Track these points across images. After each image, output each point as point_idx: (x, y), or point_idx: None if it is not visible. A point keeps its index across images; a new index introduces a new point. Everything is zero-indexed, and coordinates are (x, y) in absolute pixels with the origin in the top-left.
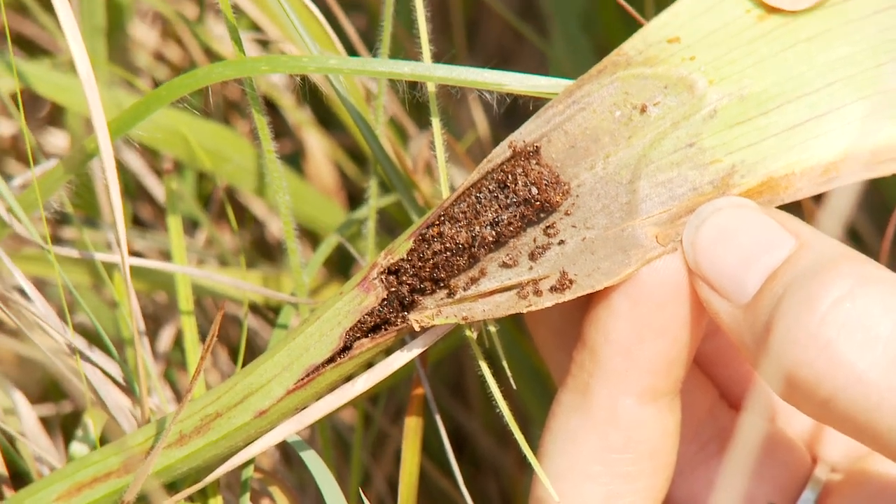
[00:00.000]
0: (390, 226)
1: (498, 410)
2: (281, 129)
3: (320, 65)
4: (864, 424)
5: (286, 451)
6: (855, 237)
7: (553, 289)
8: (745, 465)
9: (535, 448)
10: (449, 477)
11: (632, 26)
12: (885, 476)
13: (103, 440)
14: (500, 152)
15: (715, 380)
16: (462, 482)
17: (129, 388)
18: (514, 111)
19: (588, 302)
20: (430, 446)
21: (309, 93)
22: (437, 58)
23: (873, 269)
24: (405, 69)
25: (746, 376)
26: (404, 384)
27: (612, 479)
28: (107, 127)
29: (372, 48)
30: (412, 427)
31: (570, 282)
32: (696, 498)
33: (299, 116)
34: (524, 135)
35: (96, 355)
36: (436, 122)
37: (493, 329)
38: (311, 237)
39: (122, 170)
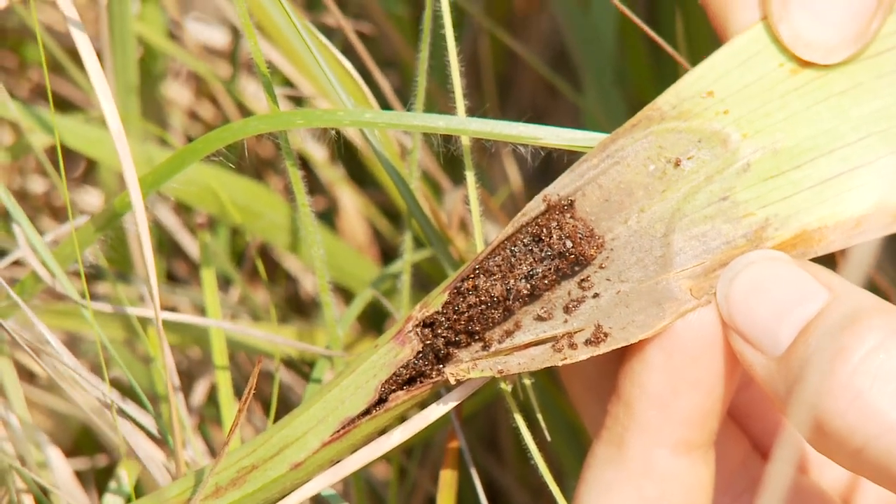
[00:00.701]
0: (423, 281)
1: (533, 463)
2: (314, 186)
3: (355, 118)
4: None
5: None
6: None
7: (588, 342)
8: None
9: (570, 501)
10: None
11: (662, 78)
12: None
13: (137, 493)
14: (535, 206)
15: (748, 431)
16: None
17: (163, 441)
18: (547, 166)
19: (622, 355)
20: (463, 500)
21: (342, 150)
22: (470, 112)
23: None
24: (440, 123)
25: (779, 428)
26: (437, 437)
27: None
28: (140, 181)
29: (406, 105)
30: (447, 481)
31: (605, 335)
32: None
33: (332, 173)
34: (558, 188)
35: (131, 408)
36: (470, 176)
37: (528, 382)
38: (343, 294)
39: (157, 226)
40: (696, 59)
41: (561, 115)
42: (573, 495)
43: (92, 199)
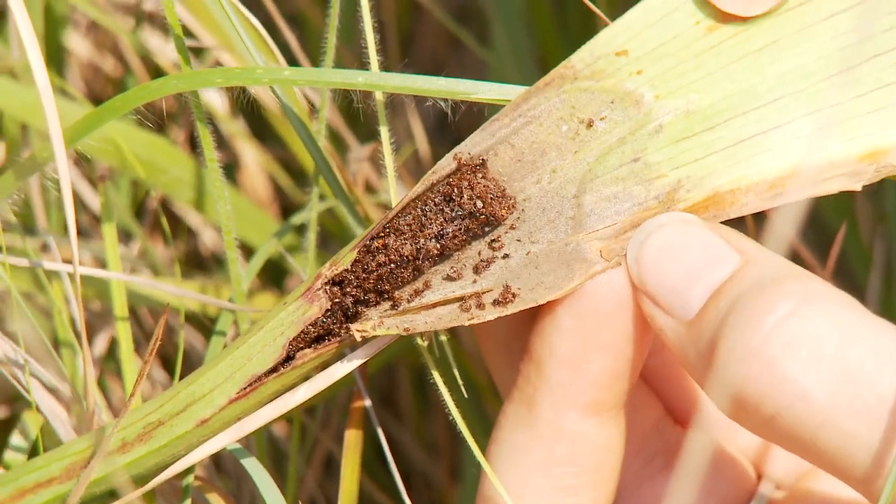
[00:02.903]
0: (325, 238)
1: (451, 418)
2: (215, 139)
3: (274, 76)
4: (808, 442)
5: (217, 459)
6: (796, 260)
7: (496, 302)
8: (693, 484)
9: (474, 458)
10: (380, 487)
11: (566, 30)
12: (829, 493)
13: (46, 446)
14: (446, 164)
15: (661, 395)
16: (406, 497)
17: (67, 395)
18: (446, 123)
19: (535, 315)
20: (363, 457)
21: (244, 103)
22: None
23: (819, 287)
24: (359, 79)
25: (692, 392)
26: (338, 395)
27: (556, 492)
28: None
29: (312, 60)
30: (352, 441)
31: (513, 295)
32: None
33: (233, 127)
34: (470, 147)
35: (36, 363)
36: (384, 132)
37: (444, 339)
38: (244, 250)
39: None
40: (611, 9)
41: (465, 70)
42: (485, 454)
43: None
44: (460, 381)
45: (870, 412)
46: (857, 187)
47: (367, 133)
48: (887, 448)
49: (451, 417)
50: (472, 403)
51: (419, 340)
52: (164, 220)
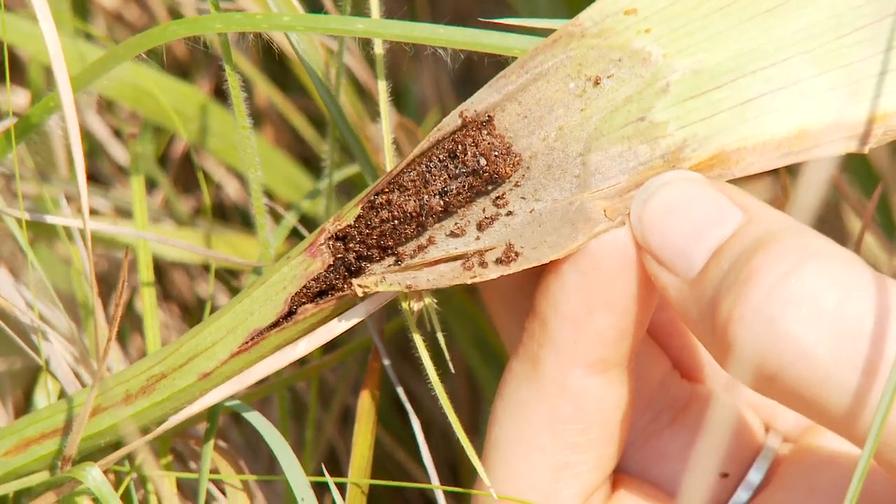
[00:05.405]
0: (349, 191)
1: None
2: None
3: (273, 22)
4: (811, 400)
5: (237, 417)
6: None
7: (499, 261)
8: (719, 447)
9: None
10: (397, 439)
11: None
12: (835, 448)
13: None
14: (451, 121)
15: (667, 350)
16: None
17: (82, 348)
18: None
19: (540, 273)
20: (382, 415)
21: (274, 54)
22: (392, 16)
23: (819, 243)
24: (358, 26)
25: (699, 348)
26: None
27: (561, 448)
28: (70, 81)
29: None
30: (367, 402)
31: (516, 254)
32: (648, 468)
33: (256, 76)
34: (475, 104)
35: (47, 310)
36: (381, 85)
37: (427, 301)
38: (268, 198)
39: (82, 128)
40: None
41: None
42: (491, 408)
43: (18, 98)
44: (446, 355)
45: (871, 368)
46: (865, 150)
47: (395, 80)
48: (888, 404)
49: (468, 374)
50: (491, 362)
51: (405, 306)
52: (201, 177)
